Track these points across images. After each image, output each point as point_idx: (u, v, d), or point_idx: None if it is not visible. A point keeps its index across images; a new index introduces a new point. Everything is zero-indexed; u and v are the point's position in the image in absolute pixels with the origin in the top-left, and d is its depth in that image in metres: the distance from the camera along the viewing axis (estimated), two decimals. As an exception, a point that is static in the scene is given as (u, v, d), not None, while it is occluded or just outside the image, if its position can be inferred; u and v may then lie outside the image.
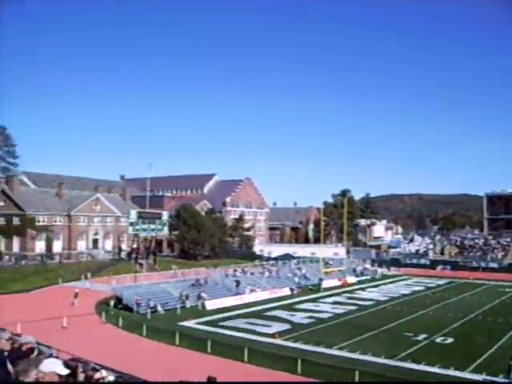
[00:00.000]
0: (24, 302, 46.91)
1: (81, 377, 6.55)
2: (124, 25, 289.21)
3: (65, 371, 5.46)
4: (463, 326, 38.09)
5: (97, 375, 6.90)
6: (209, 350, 29.36)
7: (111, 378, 8.10)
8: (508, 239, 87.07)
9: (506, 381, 23.03)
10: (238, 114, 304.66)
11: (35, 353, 6.52)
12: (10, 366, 5.57)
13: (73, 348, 21.92)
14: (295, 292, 55.23)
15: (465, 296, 54.13)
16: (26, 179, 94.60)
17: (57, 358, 5.67)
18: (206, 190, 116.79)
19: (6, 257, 71.47)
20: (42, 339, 22.21)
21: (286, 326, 37.15)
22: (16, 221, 75.75)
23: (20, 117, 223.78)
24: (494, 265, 77.93)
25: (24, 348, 6.77)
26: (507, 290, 58.71)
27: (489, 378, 24.62)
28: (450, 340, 33.22)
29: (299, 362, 25.32)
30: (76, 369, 6.39)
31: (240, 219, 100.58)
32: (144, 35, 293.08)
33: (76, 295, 45.43)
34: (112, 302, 44.20)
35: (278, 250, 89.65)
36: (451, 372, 25.69)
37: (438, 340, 33.15)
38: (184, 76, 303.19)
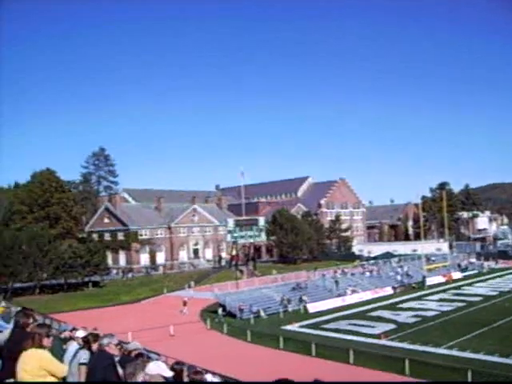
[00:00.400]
0: (133, 312, 48.93)
1: (186, 379, 6.72)
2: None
3: (169, 373, 5.66)
4: None
5: (202, 378, 7.04)
6: (313, 353, 29.27)
7: (216, 380, 8.26)
8: None
9: None
10: (326, 115, 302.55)
11: (143, 358, 6.80)
12: (120, 370, 5.88)
13: (179, 354, 22.53)
14: (398, 291, 53.98)
15: None
16: (126, 196, 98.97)
17: (163, 362, 5.87)
18: (299, 193, 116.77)
19: (114, 270, 74.87)
20: (150, 347, 23.09)
21: (391, 326, 36.38)
22: (120, 236, 79.22)
23: (113, 135, 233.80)
24: None
25: (133, 354, 7.07)
26: None
27: None
28: None
29: (407, 362, 24.69)
30: (181, 372, 6.56)
31: (336, 220, 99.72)
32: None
33: (185, 303, 46.81)
34: (219, 310, 44.88)
35: (377, 249, 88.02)
36: None
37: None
38: (266, 74, 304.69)
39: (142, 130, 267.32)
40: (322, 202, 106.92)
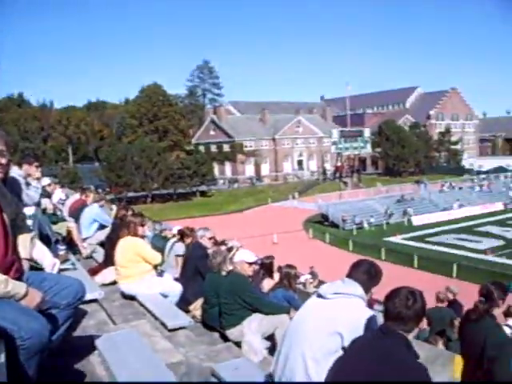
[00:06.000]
0: (238, 220, 50.53)
1: (276, 273, 6.95)
2: None
3: (253, 258, 5.82)
4: None
5: (296, 272, 7.26)
6: (415, 264, 29.08)
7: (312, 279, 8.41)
8: None
9: None
10: (435, 20, 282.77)
11: (234, 251, 7.02)
12: (210, 260, 6.13)
13: (281, 260, 23.13)
14: (509, 207, 51.69)
15: None
16: (231, 108, 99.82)
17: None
18: (408, 104, 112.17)
19: (221, 181, 77.13)
20: (254, 253, 23.85)
21: (499, 242, 35.17)
22: (226, 147, 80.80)
23: (217, 47, 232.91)
24: None
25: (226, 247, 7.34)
26: None
27: None
28: None
29: (513, 278, 23.92)
30: (270, 265, 6.83)
31: (446, 132, 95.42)
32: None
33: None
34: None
35: (489, 163, 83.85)
36: None
37: None
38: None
39: (246, 42, 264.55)
40: (432, 113, 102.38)
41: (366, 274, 3.60)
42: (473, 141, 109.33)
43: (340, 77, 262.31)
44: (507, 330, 4.88)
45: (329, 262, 31.15)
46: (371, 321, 3.31)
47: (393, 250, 33.09)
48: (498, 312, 4.57)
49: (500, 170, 72.88)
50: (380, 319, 3.20)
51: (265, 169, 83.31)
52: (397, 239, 38.37)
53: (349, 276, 3.61)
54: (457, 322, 8.36)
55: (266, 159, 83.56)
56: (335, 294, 3.45)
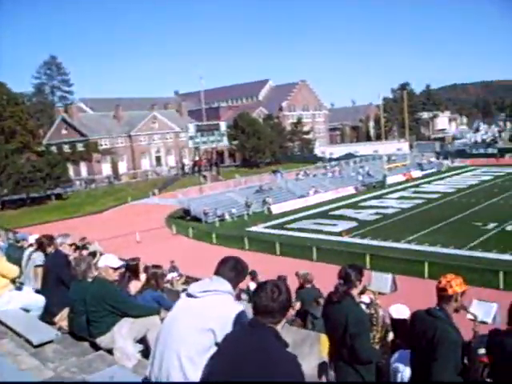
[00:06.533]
0: (98, 222, 48.94)
1: (143, 274, 6.87)
2: None
3: (117, 263, 5.71)
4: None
5: (162, 271, 7.20)
6: (278, 251, 30.03)
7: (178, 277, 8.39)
8: None
9: None
10: (285, 15, 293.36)
11: (97, 256, 6.82)
12: (73, 267, 5.90)
13: (146, 259, 22.79)
14: (360, 190, 55.12)
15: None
16: (83, 105, 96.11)
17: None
18: (261, 96, 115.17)
19: (77, 182, 74.02)
20: (118, 254, 23.26)
21: (353, 224, 37.37)
22: (80, 147, 77.52)
23: (64, 43, 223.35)
24: None
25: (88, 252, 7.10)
26: None
27: None
28: (520, 227, 32.57)
29: (368, 257, 25.56)
30: (136, 266, 6.74)
31: (298, 123, 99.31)
32: None
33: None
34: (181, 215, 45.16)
35: (339, 151, 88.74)
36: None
37: (509, 228, 32.54)
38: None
39: (96, 37, 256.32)
40: (284, 104, 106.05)
41: (233, 271, 3.69)
42: (323, 130, 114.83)
43: (194, 71, 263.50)
44: (362, 306, 5.33)
45: (193, 255, 31.23)
46: (241, 315, 3.41)
47: (255, 239, 33.90)
48: (356, 292, 4.94)
49: (349, 156, 77.41)
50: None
51: (122, 167, 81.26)
52: (258, 228, 39.38)
53: (216, 273, 3.68)
54: (322, 301, 8.86)
55: (123, 157, 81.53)
56: (204, 291, 3.52)
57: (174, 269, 21.06)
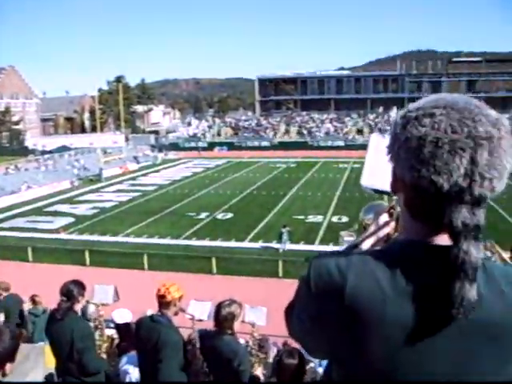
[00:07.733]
0: None
1: None
2: None
3: None
4: (241, 201, 40.92)
5: None
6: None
7: None
8: (278, 119, 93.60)
9: (278, 245, 25.95)
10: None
11: None
12: None
13: None
14: (76, 184, 53.65)
15: (241, 174, 57.51)
16: None
17: None
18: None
19: None
20: None
21: (70, 220, 36.30)
22: None
23: None
24: (266, 143, 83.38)
25: None
26: (278, 165, 63.30)
27: (264, 244, 27.27)
28: (229, 215, 35.55)
29: (87, 253, 25.21)
30: None
31: (6, 112, 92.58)
32: None
33: None
34: None
35: (53, 143, 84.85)
36: (233, 243, 27.87)
37: (219, 216, 35.27)
38: None
39: None
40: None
41: None
42: (35, 120, 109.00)
43: None
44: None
45: None
46: None
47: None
48: (79, 307, 5.09)
49: (63, 148, 74.76)
50: None
51: None
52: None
53: None
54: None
55: None
56: None
57: None
